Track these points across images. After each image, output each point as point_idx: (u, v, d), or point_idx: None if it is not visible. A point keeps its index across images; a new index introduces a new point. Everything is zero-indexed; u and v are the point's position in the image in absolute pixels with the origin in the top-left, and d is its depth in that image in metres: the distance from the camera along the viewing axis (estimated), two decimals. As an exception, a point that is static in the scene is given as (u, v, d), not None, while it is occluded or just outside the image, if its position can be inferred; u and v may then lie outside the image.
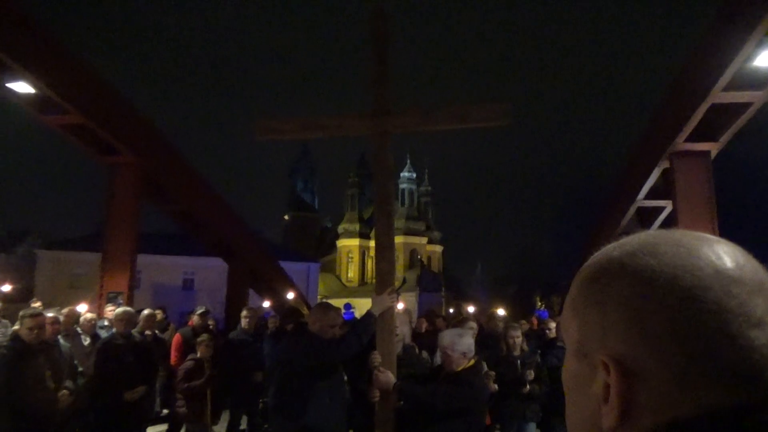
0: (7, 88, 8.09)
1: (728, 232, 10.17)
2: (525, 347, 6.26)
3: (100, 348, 5.73)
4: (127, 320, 5.91)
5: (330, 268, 64.22)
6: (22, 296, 25.86)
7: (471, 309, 24.96)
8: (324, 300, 49.81)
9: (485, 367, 4.36)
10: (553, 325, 7.54)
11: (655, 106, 10.79)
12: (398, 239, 57.98)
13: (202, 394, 6.27)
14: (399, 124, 4.03)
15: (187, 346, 7.13)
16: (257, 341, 7.65)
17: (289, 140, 4.54)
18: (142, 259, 13.05)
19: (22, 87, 8.09)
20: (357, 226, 65.35)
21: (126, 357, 5.55)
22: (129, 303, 9.77)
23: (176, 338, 7.82)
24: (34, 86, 8.07)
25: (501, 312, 21.32)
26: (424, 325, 8.56)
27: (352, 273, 65.06)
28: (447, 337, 3.85)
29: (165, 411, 8.75)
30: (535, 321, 11.50)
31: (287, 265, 22.28)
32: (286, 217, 75.67)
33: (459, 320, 7.39)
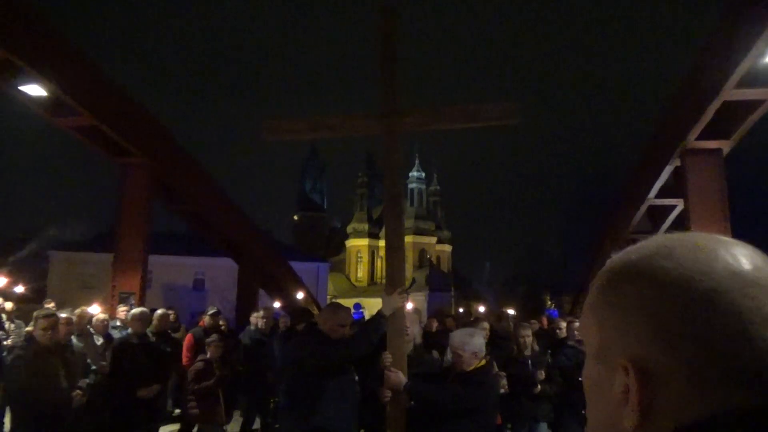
0: (20, 90, 8.17)
1: (741, 231, 10.10)
2: (536, 347, 6.24)
3: (116, 347, 5.80)
4: (143, 320, 5.97)
5: (339, 268, 64.31)
6: (35, 297, 26.12)
7: (481, 309, 24.90)
8: (333, 300, 49.88)
9: (496, 368, 4.35)
10: (563, 324, 7.50)
11: (666, 104, 10.72)
12: (407, 239, 57.93)
13: (213, 395, 6.29)
14: (408, 123, 4.01)
15: (199, 347, 7.16)
16: (271, 341, 7.69)
17: (298, 141, 4.53)
18: (153, 260, 13.12)
19: (34, 90, 8.17)
20: (366, 226, 65.38)
21: (141, 356, 5.62)
22: (141, 303, 9.85)
23: (188, 339, 7.87)
24: (47, 89, 8.15)
25: (510, 312, 21.27)
26: (435, 325, 8.57)
27: (361, 273, 65.11)
28: (458, 337, 3.85)
29: (177, 411, 8.81)
30: (545, 320, 11.45)
31: (297, 266, 22.35)
32: (295, 217, 75.87)
33: (471, 320, 7.38)
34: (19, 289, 17.38)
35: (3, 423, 7.39)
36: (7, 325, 8.54)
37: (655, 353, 0.53)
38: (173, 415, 8.68)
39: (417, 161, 67.51)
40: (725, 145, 9.33)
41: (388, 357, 3.82)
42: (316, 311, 14.57)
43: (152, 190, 10.72)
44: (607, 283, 0.60)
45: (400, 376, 3.72)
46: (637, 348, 0.54)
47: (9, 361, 4.93)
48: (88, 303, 8.51)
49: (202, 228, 14.25)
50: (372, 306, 44.47)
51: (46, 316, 4.97)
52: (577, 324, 6.63)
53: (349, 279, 64.77)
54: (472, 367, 3.75)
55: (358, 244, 65.54)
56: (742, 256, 0.55)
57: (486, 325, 6.65)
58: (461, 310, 33.64)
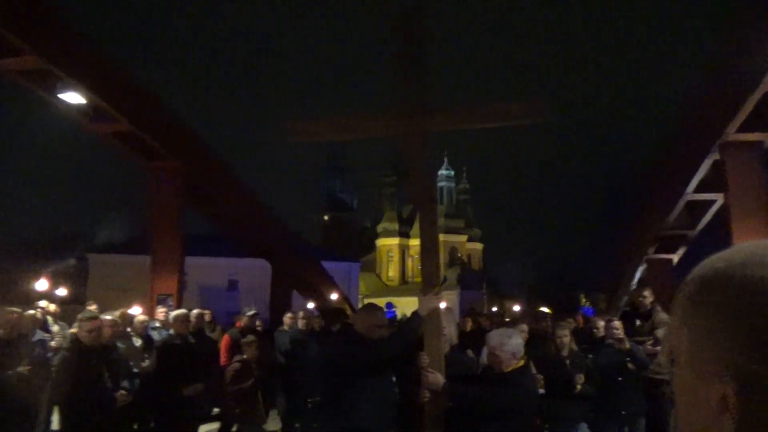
0: (58, 98, 8.42)
1: (785, 224, 9.71)
2: (573, 347, 6.15)
3: (160, 348, 5.95)
4: (186, 322, 6.11)
5: (370, 267, 64.47)
6: (76, 299, 26.89)
7: (516, 308, 24.66)
8: (365, 299, 50.08)
9: (533, 368, 4.31)
10: (601, 323, 7.36)
11: (702, 96, 10.42)
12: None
13: (252, 395, 6.37)
14: (436, 123, 3.97)
15: (236, 348, 7.26)
16: (308, 341, 7.77)
17: (322, 141, 4.53)
18: (188, 261, 13.34)
19: (73, 97, 8.41)
20: (396, 225, 65.42)
21: (184, 357, 5.77)
22: (178, 305, 10.05)
23: (225, 339, 7.99)
24: (85, 96, 8.39)
25: (544, 310, 20.98)
26: (469, 324, 8.52)
27: (392, 272, 65.16)
28: (495, 337, 3.81)
29: (215, 410, 8.95)
30: (580, 319, 11.29)
31: (328, 266, 22.49)
32: (325, 217, 76.31)
33: (508, 322, 7.32)
34: (62, 292, 17.90)
35: (51, 422, 7.64)
36: (52, 327, 8.81)
37: (752, 362, 0.53)
38: (212, 414, 8.83)
39: (445, 159, 67.23)
40: (767, 138, 9.04)
41: (425, 357, 3.82)
42: (349, 312, 14.63)
43: (184, 193, 10.91)
44: (697, 293, 0.60)
45: (437, 377, 3.71)
46: (734, 357, 0.54)
47: (55, 362, 5.09)
48: (127, 305, 8.72)
49: (235, 230, 14.45)
50: (404, 305, 44.46)
51: (89, 319, 5.11)
52: (615, 323, 6.51)
53: (380, 278, 64.90)
54: (510, 368, 3.71)
55: (388, 243, 65.61)
56: None
57: (525, 327, 6.59)
58: (494, 308, 33.37)
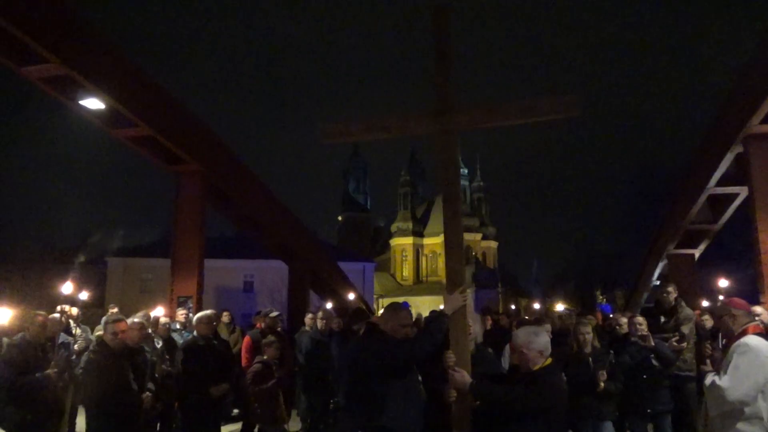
0: (79, 104, 8.50)
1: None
2: (596, 344, 6.09)
3: (186, 349, 6.01)
4: (210, 323, 6.17)
5: (384, 267, 64.50)
6: (96, 302, 27.21)
7: (536, 306, 24.45)
8: (379, 299, 49.99)
9: (556, 368, 4.25)
10: (624, 320, 7.27)
11: (727, 89, 10.25)
12: (452, 236, 57.52)
13: (274, 395, 6.38)
14: (465, 121, 3.96)
15: (257, 349, 7.29)
16: (329, 342, 7.77)
17: (353, 142, 4.54)
18: (205, 263, 13.47)
19: (93, 103, 8.49)
20: (410, 225, 65.34)
21: (209, 358, 5.83)
22: (198, 306, 10.11)
23: (246, 340, 8.02)
24: (105, 102, 8.46)
25: (560, 307, 20.80)
26: (489, 323, 8.47)
27: (406, 272, 65.12)
28: (522, 335, 3.77)
29: (235, 411, 9.01)
30: (599, 316, 11.19)
31: (343, 265, 22.53)
32: (339, 218, 76.50)
33: (533, 320, 7.26)
34: (83, 295, 18.10)
35: (75, 424, 7.73)
36: (74, 330, 8.91)
37: None
38: (232, 415, 8.89)
39: (459, 157, 67.04)
40: (792, 129, 8.86)
41: (451, 357, 3.80)
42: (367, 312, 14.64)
43: (206, 196, 10.98)
44: None
45: (465, 376, 3.68)
46: None
47: (81, 365, 5.14)
48: (149, 307, 8.79)
49: (255, 231, 14.52)
50: (419, 305, 44.40)
51: (114, 322, 5.16)
52: (639, 319, 6.43)
53: (394, 278, 64.88)
54: (537, 366, 3.67)
55: (402, 242, 65.57)
56: None
57: (548, 327, 6.53)
58: (513, 306, 33.13)
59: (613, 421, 5.91)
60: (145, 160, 10.56)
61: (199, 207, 10.78)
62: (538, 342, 3.71)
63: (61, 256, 30.16)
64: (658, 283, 15.54)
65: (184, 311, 8.85)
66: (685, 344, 6.66)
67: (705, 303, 12.22)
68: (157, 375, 6.19)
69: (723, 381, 3.80)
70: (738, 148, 9.39)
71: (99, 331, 7.94)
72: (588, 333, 6.00)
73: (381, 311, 4.38)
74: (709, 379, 4.01)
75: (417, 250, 65.26)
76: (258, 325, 8.82)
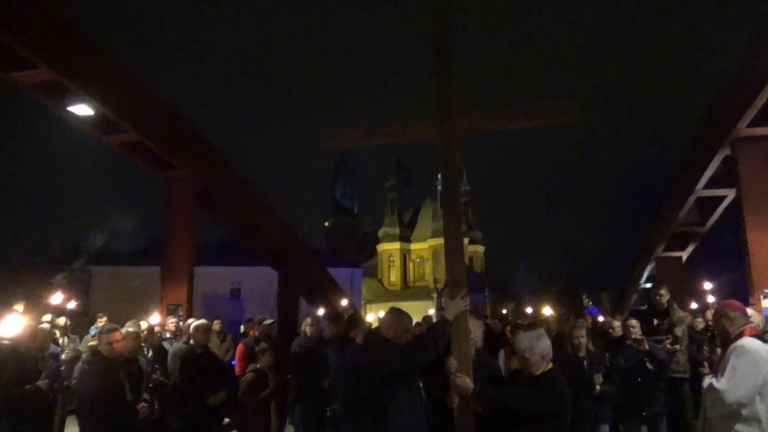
0: (68, 111, 8.38)
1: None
2: (590, 347, 6.10)
3: (183, 357, 5.96)
4: (206, 332, 6.13)
5: (372, 272, 64.34)
6: (81, 311, 26.78)
7: (529, 310, 24.57)
8: (367, 305, 49.79)
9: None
10: (617, 324, 7.32)
11: (715, 92, 10.38)
12: (437, 242, 57.70)
13: (267, 403, 6.31)
14: (466, 125, 3.97)
15: (251, 356, 7.21)
16: (322, 349, 7.68)
17: (355, 147, 4.53)
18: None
19: (82, 110, 8.38)
20: (397, 230, 65.34)
21: (206, 366, 5.77)
22: (188, 314, 9.99)
23: (240, 348, 7.92)
24: (94, 108, 8.35)
25: (548, 311, 20.89)
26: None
27: (393, 277, 65.05)
28: (525, 340, 3.77)
29: (226, 420, 8.88)
30: (589, 319, 11.27)
31: (331, 271, 22.38)
32: (326, 223, 76.30)
33: (527, 325, 7.26)
34: (71, 304, 17.83)
35: (64, 434, 7.58)
36: (61, 340, 8.75)
37: None
38: (223, 424, 8.76)
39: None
40: (779, 132, 9.00)
41: (453, 362, 3.78)
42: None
43: (196, 202, 10.88)
44: None
45: (467, 381, 3.67)
46: None
47: (75, 375, 5.05)
48: (134, 316, 8.64)
49: (247, 237, 14.41)
50: (407, 310, 44.16)
51: (108, 331, 5.07)
52: (632, 322, 6.47)
53: (381, 283, 64.76)
54: (540, 371, 3.68)
55: (389, 248, 65.52)
56: None
57: (542, 331, 6.53)
58: (504, 311, 33.23)
59: (609, 424, 5.93)
60: (135, 166, 10.45)
61: (190, 213, 10.69)
62: (540, 346, 3.71)
63: (45, 263, 29.72)
64: (647, 285, 15.67)
65: (174, 319, 8.72)
66: (678, 346, 6.71)
67: (693, 305, 12.35)
68: (151, 384, 6.11)
69: (721, 383, 3.82)
70: (726, 151, 9.51)
71: (91, 342, 7.81)
72: (582, 336, 6.02)
73: (381, 317, 4.34)
74: (707, 381, 4.03)
75: (404, 255, 65.25)
76: (251, 332, 8.72)
